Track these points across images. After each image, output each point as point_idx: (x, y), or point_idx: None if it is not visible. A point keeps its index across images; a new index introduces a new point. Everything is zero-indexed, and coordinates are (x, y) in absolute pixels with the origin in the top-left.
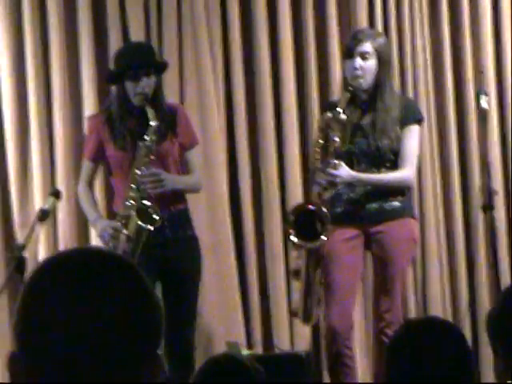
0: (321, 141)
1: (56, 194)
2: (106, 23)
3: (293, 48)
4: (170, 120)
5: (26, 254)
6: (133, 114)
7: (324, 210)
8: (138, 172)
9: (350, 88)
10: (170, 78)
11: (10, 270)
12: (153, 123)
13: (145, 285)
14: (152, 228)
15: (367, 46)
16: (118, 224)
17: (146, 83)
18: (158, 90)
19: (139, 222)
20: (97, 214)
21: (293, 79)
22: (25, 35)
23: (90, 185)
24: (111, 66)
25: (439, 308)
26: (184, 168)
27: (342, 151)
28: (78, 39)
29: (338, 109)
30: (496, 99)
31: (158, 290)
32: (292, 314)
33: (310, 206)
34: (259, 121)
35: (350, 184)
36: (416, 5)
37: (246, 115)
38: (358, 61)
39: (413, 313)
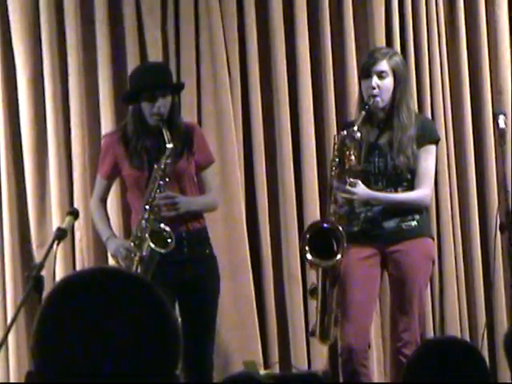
0: (336, 159)
1: (74, 214)
2: (124, 43)
3: (310, 67)
4: (186, 139)
5: (44, 273)
6: (149, 134)
7: (340, 228)
8: (152, 194)
9: (367, 107)
10: (187, 97)
11: (28, 290)
12: (169, 145)
13: (163, 305)
14: (164, 251)
15: (384, 65)
16: (131, 245)
17: (162, 104)
18: (174, 110)
19: (152, 245)
20: (110, 232)
21: (310, 98)
22: (43, 55)
23: (103, 201)
24: (127, 85)
25: (457, 328)
26: (200, 186)
27: (357, 170)
28: (96, 59)
29: (353, 127)
30: None
31: (176, 309)
32: (310, 333)
33: (325, 225)
34: (277, 140)
35: (368, 203)
36: (434, 24)
37: (264, 133)
38: (375, 80)
39: (430, 332)
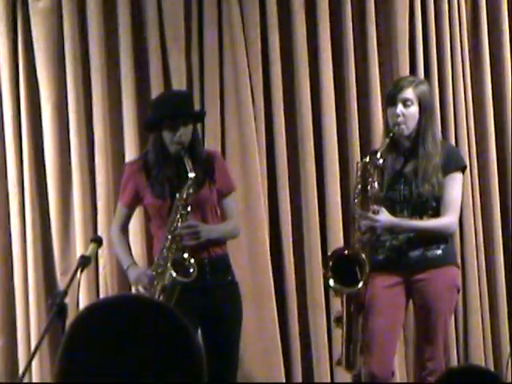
0: (359, 186)
1: (97, 241)
2: (148, 71)
3: (334, 96)
4: (208, 167)
5: (68, 300)
6: (170, 163)
7: (362, 255)
8: (174, 223)
9: (391, 134)
10: (211, 126)
11: (51, 317)
12: (191, 174)
13: (187, 332)
14: (187, 280)
15: (409, 93)
16: (153, 273)
17: (183, 132)
18: (196, 138)
19: (174, 274)
20: (131, 260)
21: (334, 127)
22: (67, 84)
23: (125, 229)
24: (149, 114)
25: (481, 356)
26: (221, 214)
27: (380, 197)
28: (121, 91)
29: (376, 154)
30: None
31: (199, 336)
32: (336, 362)
33: (347, 251)
34: (301, 167)
35: (393, 231)
36: (458, 52)
37: (287, 162)
38: (400, 107)
39: (454, 361)
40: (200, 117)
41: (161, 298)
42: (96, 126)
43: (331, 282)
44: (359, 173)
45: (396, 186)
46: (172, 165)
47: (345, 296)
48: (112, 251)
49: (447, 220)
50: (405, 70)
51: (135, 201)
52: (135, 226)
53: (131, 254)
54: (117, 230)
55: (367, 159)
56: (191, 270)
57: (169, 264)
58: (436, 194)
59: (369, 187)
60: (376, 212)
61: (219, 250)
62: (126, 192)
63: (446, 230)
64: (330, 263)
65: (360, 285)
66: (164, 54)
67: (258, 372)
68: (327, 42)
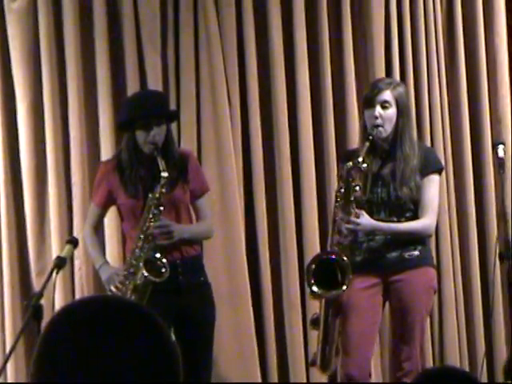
0: (341, 190)
1: (73, 242)
2: (125, 71)
3: (310, 96)
4: (182, 167)
5: (43, 301)
6: (143, 163)
7: (345, 259)
8: (147, 223)
9: (370, 137)
10: (187, 126)
11: (27, 318)
12: (164, 174)
13: (163, 332)
14: (158, 280)
15: (387, 95)
16: (125, 273)
17: (157, 132)
18: (169, 138)
19: (146, 274)
20: (103, 260)
21: (310, 127)
22: (43, 83)
23: (97, 229)
24: (122, 113)
25: (456, 357)
26: (195, 215)
27: (362, 200)
28: (97, 90)
29: (358, 158)
30: None
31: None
32: (311, 363)
33: (331, 256)
34: (276, 168)
35: (371, 233)
36: (433, 54)
37: (263, 162)
38: (378, 110)
39: (430, 362)
40: (173, 116)
41: (132, 297)
42: (72, 125)
43: (315, 288)
44: (342, 177)
45: (373, 188)
46: (145, 165)
47: (323, 299)
48: (88, 252)
49: (426, 222)
50: (380, 72)
51: (108, 201)
52: (111, 226)
53: (104, 254)
54: (89, 230)
55: (350, 163)
56: (163, 270)
57: (141, 263)
58: (414, 197)
59: (351, 191)
60: (357, 215)
61: (192, 251)
62: (99, 192)
63: (425, 232)
64: (313, 268)
65: (344, 288)
66: (140, 54)
67: (234, 373)
68: (303, 43)
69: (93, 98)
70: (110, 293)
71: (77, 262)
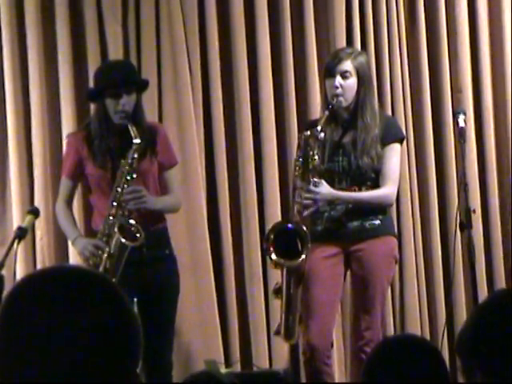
0: (300, 159)
1: (34, 212)
2: (85, 41)
3: (271, 65)
4: (150, 139)
5: (4, 272)
6: (113, 132)
7: (304, 228)
8: (119, 189)
9: (330, 106)
10: (148, 95)
11: None
12: (136, 140)
13: (124, 303)
14: (135, 245)
15: (347, 65)
16: (100, 242)
17: (127, 101)
18: (139, 108)
19: (122, 239)
20: (77, 233)
21: (271, 96)
22: (3, 53)
23: (69, 203)
24: (91, 83)
25: (417, 326)
26: (162, 187)
27: (321, 169)
28: (57, 59)
29: (317, 127)
30: (473, 118)
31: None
32: (275, 332)
33: (290, 225)
34: (238, 138)
35: (331, 202)
36: (394, 23)
37: (225, 132)
38: (338, 79)
39: (391, 331)
40: (143, 85)
41: (108, 265)
42: (32, 94)
43: (273, 256)
44: (300, 146)
45: (334, 157)
46: (115, 135)
47: (285, 268)
48: (49, 223)
49: (386, 191)
50: (341, 41)
51: (78, 172)
52: None
53: (76, 227)
54: (61, 204)
55: (308, 133)
56: (138, 235)
57: (116, 229)
58: (375, 166)
59: (309, 160)
60: (316, 184)
61: (158, 224)
62: (68, 163)
63: (385, 201)
64: (272, 237)
65: (302, 257)
66: (101, 23)
67: (196, 343)
68: (264, 11)
69: (53, 68)
70: (85, 262)
71: (38, 233)
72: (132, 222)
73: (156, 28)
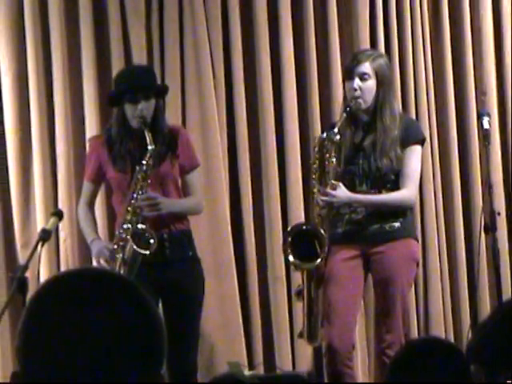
0: (316, 161)
1: (58, 215)
2: (109, 43)
3: (294, 68)
4: (171, 142)
5: (28, 274)
6: (132, 137)
7: (321, 230)
8: (134, 195)
9: (348, 108)
10: (171, 99)
11: (12, 291)
12: (150, 147)
13: (148, 305)
14: (147, 252)
15: (366, 67)
16: (114, 247)
17: (145, 106)
18: (158, 113)
19: (134, 246)
20: (94, 235)
21: (295, 99)
22: (27, 56)
23: (91, 205)
24: (112, 87)
25: (441, 328)
26: (184, 190)
27: (338, 172)
28: (81, 61)
29: (333, 129)
30: (498, 120)
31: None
32: (298, 335)
33: (306, 227)
34: (261, 141)
35: (351, 205)
36: (418, 25)
37: (248, 135)
38: (357, 81)
39: (415, 333)
40: (162, 91)
41: (122, 271)
42: (56, 97)
43: (290, 258)
44: (316, 148)
45: (355, 159)
46: (134, 139)
47: (305, 270)
48: (73, 225)
49: (406, 193)
50: (365, 43)
51: (99, 176)
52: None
53: (96, 229)
54: (83, 206)
55: (324, 135)
56: (151, 242)
57: (128, 236)
58: (395, 168)
59: (326, 163)
60: (333, 187)
61: (180, 225)
62: (90, 166)
63: (405, 203)
64: (290, 238)
65: (318, 260)
66: (124, 25)
67: (220, 346)
68: (288, 14)
69: (77, 71)
70: (98, 265)
71: (62, 235)
72: (146, 228)
73: (180, 31)
